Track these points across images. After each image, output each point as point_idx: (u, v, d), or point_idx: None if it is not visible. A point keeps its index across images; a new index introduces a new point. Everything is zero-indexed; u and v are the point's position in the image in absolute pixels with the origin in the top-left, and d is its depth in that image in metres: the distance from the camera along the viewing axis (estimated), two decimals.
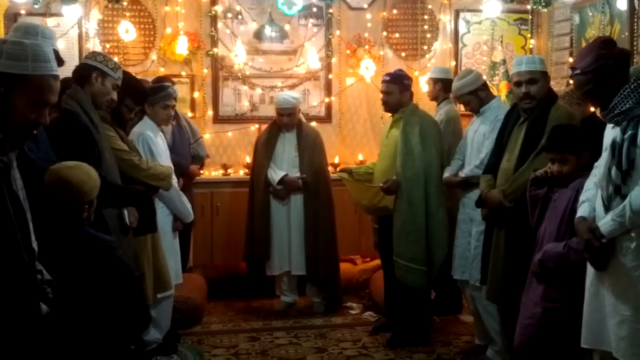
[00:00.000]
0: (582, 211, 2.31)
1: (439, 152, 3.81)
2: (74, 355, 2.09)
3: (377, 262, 4.73)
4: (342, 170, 4.23)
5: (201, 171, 5.07)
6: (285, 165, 4.51)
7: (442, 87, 4.52)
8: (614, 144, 2.12)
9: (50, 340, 1.99)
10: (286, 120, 4.49)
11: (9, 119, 1.72)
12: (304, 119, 4.72)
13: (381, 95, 4.00)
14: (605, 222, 2.14)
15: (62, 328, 2.03)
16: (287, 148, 4.54)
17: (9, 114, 1.72)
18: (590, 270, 2.26)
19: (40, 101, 1.76)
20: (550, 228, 2.64)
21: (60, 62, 2.61)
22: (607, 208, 2.16)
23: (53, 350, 2.08)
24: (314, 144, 4.54)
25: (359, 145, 5.56)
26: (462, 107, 4.60)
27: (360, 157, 5.39)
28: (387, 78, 3.96)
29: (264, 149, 4.55)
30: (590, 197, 2.31)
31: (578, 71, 2.19)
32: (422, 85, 5.32)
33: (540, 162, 2.81)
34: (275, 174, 4.46)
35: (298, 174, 4.47)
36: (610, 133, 2.19)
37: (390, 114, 4.09)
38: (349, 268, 4.90)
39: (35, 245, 1.84)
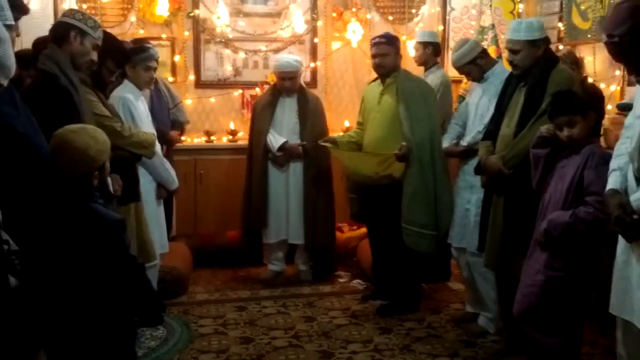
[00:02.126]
0: (612, 182, 2.22)
1: (439, 117, 3.73)
2: (65, 337, 1.98)
3: (364, 229, 4.67)
4: (325, 140, 4.07)
5: (182, 137, 4.94)
6: (285, 131, 4.36)
7: (432, 51, 4.42)
8: None
9: (23, 315, 1.89)
10: (288, 84, 4.33)
11: None
12: (304, 84, 4.57)
13: (374, 59, 3.85)
14: (637, 198, 2.04)
15: (44, 303, 1.93)
16: (287, 113, 4.39)
17: None
18: (621, 238, 2.20)
19: None
20: (556, 196, 2.57)
21: (23, 10, 2.42)
22: (639, 181, 2.08)
23: (27, 326, 1.97)
24: (315, 110, 4.40)
25: (345, 111, 5.44)
26: (450, 71, 4.54)
27: (347, 124, 5.28)
28: (382, 40, 3.82)
29: (264, 114, 4.39)
30: (622, 165, 2.21)
31: (616, 39, 2.08)
32: (409, 50, 5.20)
33: (540, 126, 2.72)
34: (275, 140, 4.32)
35: (298, 141, 4.34)
36: None
37: (374, 80, 3.98)
38: (336, 236, 4.83)
39: None
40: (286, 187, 4.38)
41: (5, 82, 1.47)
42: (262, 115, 4.39)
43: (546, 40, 3.01)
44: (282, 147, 4.31)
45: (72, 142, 1.99)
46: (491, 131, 3.15)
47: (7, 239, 1.80)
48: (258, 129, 4.40)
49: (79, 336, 1.98)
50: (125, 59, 3.30)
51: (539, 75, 2.94)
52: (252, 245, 4.53)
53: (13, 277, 1.77)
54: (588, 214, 2.45)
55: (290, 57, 4.49)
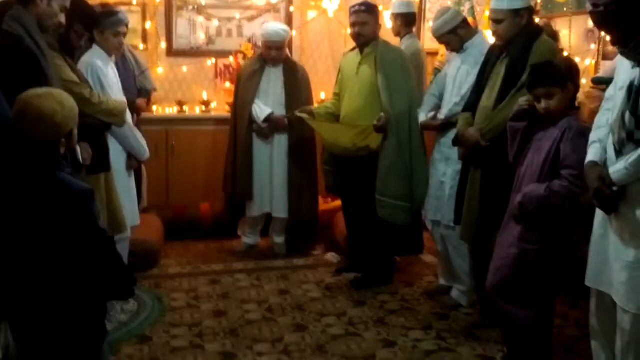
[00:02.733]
0: (592, 154, 2.21)
1: (417, 88, 3.70)
2: (33, 311, 1.91)
3: (338, 202, 4.65)
4: (301, 111, 4.00)
5: (154, 107, 4.81)
6: (270, 102, 4.24)
7: (403, 21, 4.35)
8: (631, 86, 2.00)
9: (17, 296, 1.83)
10: (274, 54, 4.21)
11: None
12: (290, 54, 4.47)
13: (353, 28, 3.77)
14: (617, 170, 2.04)
15: (21, 278, 1.85)
16: (272, 84, 4.27)
17: None
18: (599, 212, 2.20)
19: None
20: (532, 168, 2.56)
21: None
22: (619, 153, 2.06)
23: (20, 307, 1.91)
24: (301, 81, 4.29)
25: (321, 82, 5.34)
26: (425, 44, 4.47)
27: (323, 96, 5.20)
28: (362, 8, 3.73)
29: (249, 84, 4.25)
30: (602, 138, 2.20)
31: (601, 8, 2.03)
32: (387, 20, 5.12)
33: (521, 98, 2.70)
34: (261, 111, 4.21)
35: (284, 112, 4.24)
36: (628, 73, 2.05)
37: (351, 50, 3.91)
38: None
39: None
40: (270, 160, 4.30)
41: None
42: (247, 85, 4.27)
43: (530, 10, 2.96)
44: (267, 119, 4.22)
45: (38, 107, 1.88)
46: (471, 103, 3.11)
47: None
48: (243, 99, 4.28)
49: (46, 310, 1.92)
50: (95, 22, 3.18)
51: (521, 47, 2.89)
52: (234, 218, 4.46)
53: None
54: (563, 188, 2.44)
55: (277, 25, 4.35)
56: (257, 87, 4.25)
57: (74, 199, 1.88)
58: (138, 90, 4.30)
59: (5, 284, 1.74)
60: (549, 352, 2.70)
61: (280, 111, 4.24)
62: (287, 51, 4.40)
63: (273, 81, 4.28)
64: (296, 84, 4.27)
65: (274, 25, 4.34)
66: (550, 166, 2.49)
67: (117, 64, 4.01)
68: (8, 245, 1.83)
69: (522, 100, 2.63)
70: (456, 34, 3.41)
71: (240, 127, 4.28)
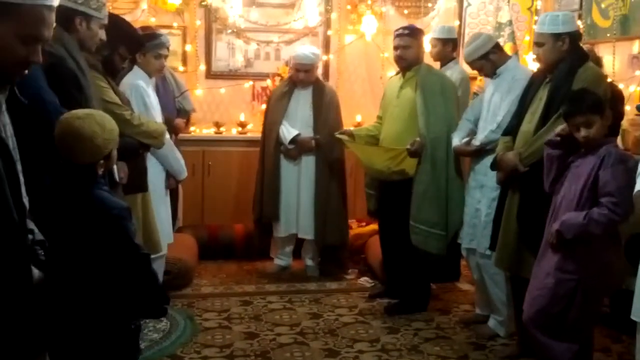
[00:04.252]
0: None
1: (457, 114, 3.66)
2: (67, 329, 1.91)
3: (373, 226, 4.61)
4: (341, 133, 4.01)
5: (191, 128, 4.88)
6: (298, 123, 4.28)
7: (451, 47, 4.33)
8: None
9: (44, 309, 1.83)
10: (303, 76, 4.25)
11: None
12: (321, 77, 4.50)
13: (395, 51, 3.76)
14: None
15: (56, 296, 1.86)
16: (301, 106, 4.31)
17: None
18: None
19: (31, 35, 1.51)
20: (570, 196, 2.48)
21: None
22: None
23: (46, 321, 1.91)
24: (330, 103, 4.31)
25: (357, 106, 5.35)
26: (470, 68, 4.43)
27: (359, 119, 5.20)
28: (406, 31, 3.74)
29: (277, 106, 4.32)
30: None
31: None
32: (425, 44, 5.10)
33: (561, 125, 2.63)
34: (288, 132, 4.25)
35: (312, 134, 4.26)
36: None
37: (396, 74, 3.90)
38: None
39: (26, 201, 1.64)
40: (298, 181, 4.31)
41: None
42: (275, 107, 4.32)
43: (572, 36, 2.90)
44: (294, 140, 4.23)
45: (78, 129, 1.88)
46: (512, 127, 3.05)
47: (33, 228, 1.73)
48: (271, 121, 4.33)
49: (82, 328, 1.91)
50: (139, 45, 3.24)
51: (565, 72, 2.83)
52: (262, 239, 4.47)
53: (37, 270, 1.69)
54: (602, 215, 2.36)
55: (307, 48, 4.41)
56: (286, 108, 4.29)
57: (111, 216, 1.89)
58: (177, 110, 4.38)
59: (38, 299, 1.74)
60: None
61: (308, 133, 4.26)
62: (318, 74, 4.43)
63: (302, 103, 4.31)
64: (324, 106, 4.29)
65: (304, 48, 4.39)
66: (589, 194, 2.42)
67: (157, 85, 4.10)
68: (47, 261, 1.83)
69: (559, 128, 2.56)
70: (488, 60, 3.37)
71: (268, 148, 4.32)
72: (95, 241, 1.87)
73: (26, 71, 1.60)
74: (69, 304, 1.89)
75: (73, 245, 1.88)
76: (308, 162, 4.29)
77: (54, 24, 1.58)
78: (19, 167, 1.60)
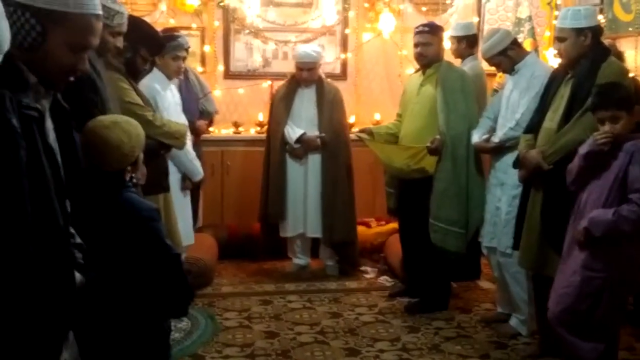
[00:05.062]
0: None
1: (478, 109, 3.63)
2: (102, 331, 1.92)
3: (393, 225, 4.60)
4: (361, 131, 4.02)
5: (210, 128, 4.89)
6: (303, 122, 4.30)
7: (465, 44, 4.31)
8: None
9: (84, 313, 1.85)
10: (306, 75, 4.26)
11: (44, 62, 1.51)
12: (323, 75, 4.50)
13: (415, 48, 3.75)
14: None
15: (94, 299, 1.87)
16: (305, 105, 4.33)
17: (44, 56, 1.51)
18: None
19: (80, 43, 1.55)
20: (596, 193, 2.45)
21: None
22: None
23: (86, 324, 1.93)
24: (333, 101, 4.33)
25: (375, 104, 5.33)
26: (484, 65, 4.39)
27: (377, 117, 5.17)
28: (426, 28, 3.73)
29: (282, 105, 4.34)
30: None
31: None
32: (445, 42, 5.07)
33: (585, 122, 2.59)
34: (293, 132, 4.27)
35: (317, 133, 4.27)
36: None
37: (416, 71, 3.88)
38: (363, 231, 4.74)
39: (68, 206, 1.67)
40: (304, 180, 4.32)
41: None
42: (280, 106, 4.34)
43: (595, 31, 2.86)
44: (299, 139, 4.24)
45: (104, 138, 1.89)
46: (534, 124, 3.02)
47: (73, 232, 1.76)
48: (276, 120, 4.35)
49: (116, 330, 1.92)
50: (160, 47, 3.26)
51: (587, 68, 2.79)
52: (271, 239, 4.47)
53: (79, 274, 1.71)
54: (632, 212, 2.33)
55: (309, 47, 4.42)
56: (290, 108, 4.30)
57: (141, 218, 1.90)
58: (200, 112, 4.40)
59: (79, 304, 1.76)
60: None
61: (313, 131, 4.27)
62: (321, 72, 4.43)
63: (306, 102, 4.32)
64: (328, 104, 4.29)
65: (306, 47, 4.41)
66: (618, 191, 2.38)
67: (180, 87, 4.12)
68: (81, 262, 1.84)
69: (600, 137, 2.43)
70: (506, 55, 3.33)
71: (273, 148, 4.33)
72: (127, 243, 1.88)
73: (72, 78, 1.63)
74: (102, 306, 1.89)
75: (105, 249, 1.89)
76: (314, 161, 4.31)
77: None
78: (62, 172, 1.63)
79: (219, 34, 5.18)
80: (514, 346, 3.29)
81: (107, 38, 2.68)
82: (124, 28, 2.75)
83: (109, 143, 1.88)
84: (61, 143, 1.72)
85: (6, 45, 1.38)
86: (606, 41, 4.39)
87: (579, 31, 2.84)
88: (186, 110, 3.93)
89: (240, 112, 5.27)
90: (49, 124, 1.65)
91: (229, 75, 5.25)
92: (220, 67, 5.20)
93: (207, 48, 5.15)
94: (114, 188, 1.93)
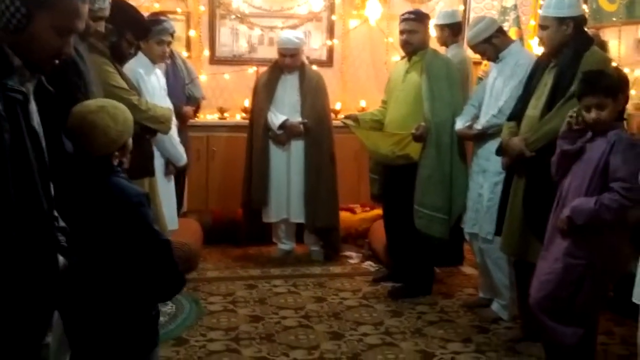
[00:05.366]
0: None
1: (463, 98, 3.66)
2: (88, 316, 1.92)
3: (377, 211, 4.63)
4: (346, 117, 4.03)
5: (197, 114, 4.87)
6: (286, 109, 4.31)
7: (450, 32, 4.32)
8: None
9: (68, 296, 1.84)
10: (288, 61, 4.27)
11: (29, 45, 1.51)
12: (306, 61, 4.50)
13: (401, 35, 3.76)
14: None
15: (81, 283, 1.87)
16: (288, 91, 4.33)
17: (30, 39, 1.51)
18: None
19: (65, 27, 1.55)
20: (578, 181, 2.48)
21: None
22: None
23: (72, 307, 1.92)
24: (316, 88, 4.34)
25: (361, 91, 5.35)
26: (470, 53, 4.42)
27: (363, 104, 5.20)
28: (412, 16, 3.74)
29: (264, 92, 4.34)
30: None
31: None
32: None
33: (568, 110, 2.61)
34: (276, 118, 4.28)
35: (299, 119, 4.28)
36: None
37: (402, 58, 3.89)
38: (348, 217, 4.79)
39: (52, 189, 1.66)
40: (287, 166, 4.34)
41: None
42: (263, 93, 4.34)
43: (577, 20, 2.88)
44: (282, 125, 4.26)
45: (91, 123, 1.87)
46: (517, 112, 3.05)
47: (57, 216, 1.75)
48: (259, 107, 4.35)
49: (103, 315, 1.90)
50: (146, 31, 3.23)
51: (570, 56, 2.82)
52: (253, 225, 4.48)
53: (61, 257, 1.71)
54: (613, 201, 2.36)
55: (291, 33, 4.43)
56: (273, 94, 4.31)
57: (130, 203, 1.87)
58: (187, 97, 4.38)
59: (61, 286, 1.76)
60: None
61: (296, 118, 4.28)
62: (304, 59, 4.43)
63: (288, 88, 4.32)
64: (311, 91, 4.31)
65: (288, 33, 4.42)
66: (599, 179, 2.41)
67: (167, 71, 4.09)
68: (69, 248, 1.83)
69: (571, 115, 2.51)
70: (491, 43, 3.36)
71: (256, 135, 4.34)
72: (115, 228, 1.86)
73: (57, 61, 1.62)
74: (90, 291, 1.89)
75: (93, 233, 1.88)
76: (297, 147, 4.32)
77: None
78: (46, 156, 1.62)
79: (204, 19, 5.15)
80: (495, 330, 3.34)
81: (89, 22, 2.66)
82: (107, 13, 2.71)
83: (96, 127, 1.86)
84: (45, 127, 1.71)
85: None
86: (590, 31, 4.44)
87: (561, 20, 2.87)
88: (173, 95, 3.90)
89: (226, 98, 5.26)
90: (33, 107, 1.65)
91: (214, 60, 5.23)
92: (206, 52, 5.18)
93: (192, 33, 5.12)
94: (101, 173, 1.90)
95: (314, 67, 4.77)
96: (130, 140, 1.98)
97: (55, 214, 1.74)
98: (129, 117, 1.97)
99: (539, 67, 3.03)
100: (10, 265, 1.44)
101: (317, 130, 4.29)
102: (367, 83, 5.39)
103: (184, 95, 4.35)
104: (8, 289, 1.46)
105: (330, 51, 5.35)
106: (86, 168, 1.90)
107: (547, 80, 2.89)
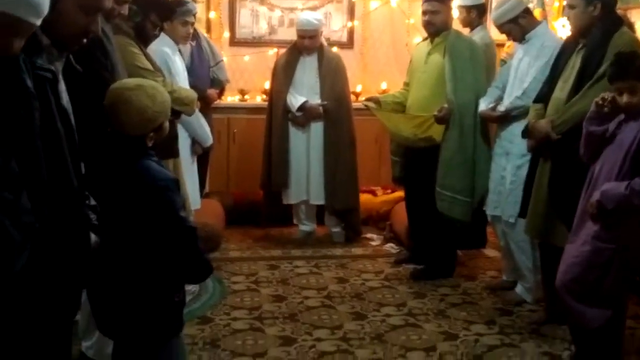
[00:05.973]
0: None
1: (487, 79, 3.62)
2: (114, 295, 1.93)
3: (399, 194, 4.63)
4: (368, 100, 4.01)
5: (221, 97, 4.87)
6: (305, 90, 4.30)
7: (476, 14, 4.25)
8: None
9: (98, 275, 1.86)
10: (307, 43, 4.25)
11: (57, 24, 1.53)
12: (325, 43, 4.48)
13: (424, 16, 3.72)
14: None
15: (106, 262, 1.88)
16: (307, 73, 4.32)
17: (57, 18, 1.52)
18: None
19: (92, 5, 1.57)
20: (609, 165, 2.44)
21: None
22: None
23: (99, 288, 1.94)
24: (335, 69, 4.32)
25: (382, 73, 5.31)
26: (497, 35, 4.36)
27: (384, 86, 5.17)
28: None
29: (283, 73, 4.33)
30: None
31: None
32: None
33: (596, 92, 2.57)
34: (295, 100, 4.27)
35: (319, 101, 4.27)
36: None
37: (424, 40, 3.86)
38: (369, 199, 4.79)
39: (83, 168, 1.68)
40: (307, 148, 4.34)
41: (38, 22, 1.40)
42: (281, 75, 4.33)
43: (606, 1, 2.81)
44: (302, 107, 4.25)
45: (128, 101, 1.83)
46: (543, 94, 3.01)
47: (88, 194, 1.76)
48: (278, 89, 4.35)
49: (128, 298, 1.90)
50: (170, 12, 3.23)
51: (599, 38, 2.77)
52: (273, 207, 4.50)
53: (94, 235, 1.72)
54: None
55: (310, 14, 4.40)
56: (292, 76, 4.30)
57: (157, 187, 1.85)
58: (211, 80, 4.37)
59: (94, 264, 1.77)
60: (619, 353, 2.60)
61: (315, 99, 4.27)
62: (323, 40, 4.40)
63: (307, 70, 4.31)
64: (330, 72, 4.29)
65: (307, 15, 4.38)
66: (631, 163, 2.37)
67: (192, 53, 4.10)
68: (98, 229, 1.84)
69: (603, 97, 2.45)
70: (517, 24, 3.31)
71: (275, 117, 4.34)
72: (141, 211, 1.85)
73: (85, 40, 1.63)
74: (115, 272, 1.89)
75: (120, 214, 1.88)
76: (316, 129, 4.32)
77: None
78: (76, 135, 1.64)
79: (224, 1, 5.14)
80: (519, 313, 3.34)
81: (113, 5, 2.66)
82: None
83: (131, 105, 1.83)
84: (74, 105, 1.72)
85: (46, 9, 1.39)
86: (617, 12, 4.37)
87: (588, 1, 2.82)
88: (197, 77, 3.91)
89: (246, 80, 5.25)
90: (62, 86, 1.66)
91: (234, 42, 5.23)
92: (226, 34, 5.17)
93: (212, 15, 5.11)
94: (134, 154, 1.88)
95: (334, 49, 4.75)
96: (167, 123, 1.94)
97: (86, 192, 1.76)
98: (167, 98, 1.94)
99: (566, 49, 2.98)
100: (42, 242, 1.46)
101: (336, 112, 4.28)
102: (387, 65, 5.35)
103: (209, 77, 4.35)
104: (41, 265, 1.48)
105: (351, 33, 5.31)
106: (120, 147, 1.90)
107: (575, 62, 2.85)
